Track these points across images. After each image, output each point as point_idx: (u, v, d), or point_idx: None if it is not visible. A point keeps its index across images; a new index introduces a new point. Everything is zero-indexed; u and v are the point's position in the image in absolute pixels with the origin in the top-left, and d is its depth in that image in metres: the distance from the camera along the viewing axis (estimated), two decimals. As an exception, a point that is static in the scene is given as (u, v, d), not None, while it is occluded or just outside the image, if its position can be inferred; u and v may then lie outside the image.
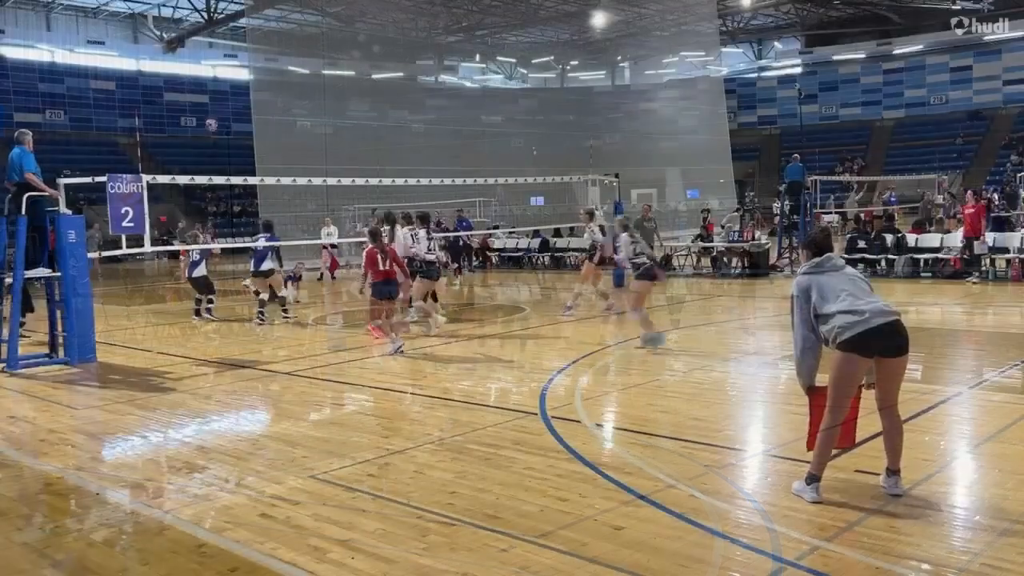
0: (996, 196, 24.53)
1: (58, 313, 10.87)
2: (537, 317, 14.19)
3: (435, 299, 13.16)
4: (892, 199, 34.69)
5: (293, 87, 39.49)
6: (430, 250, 12.76)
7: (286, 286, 15.35)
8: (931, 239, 18.76)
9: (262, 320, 14.11)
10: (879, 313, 4.80)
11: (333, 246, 23.19)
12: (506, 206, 35.15)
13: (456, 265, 21.85)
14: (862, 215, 22.50)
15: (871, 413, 5.12)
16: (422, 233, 12.57)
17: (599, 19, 41.61)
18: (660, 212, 35.41)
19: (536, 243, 25.36)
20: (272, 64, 39.70)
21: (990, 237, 17.57)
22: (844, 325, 4.79)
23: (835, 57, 53.15)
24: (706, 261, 21.95)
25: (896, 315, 4.88)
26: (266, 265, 14.19)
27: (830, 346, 4.90)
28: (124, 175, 11.60)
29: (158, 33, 45.28)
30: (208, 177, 16.33)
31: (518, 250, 25.91)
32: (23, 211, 10.31)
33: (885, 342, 4.81)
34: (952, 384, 8.33)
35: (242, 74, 44.33)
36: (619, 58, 53.44)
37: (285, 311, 14.54)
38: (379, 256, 10.70)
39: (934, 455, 5.89)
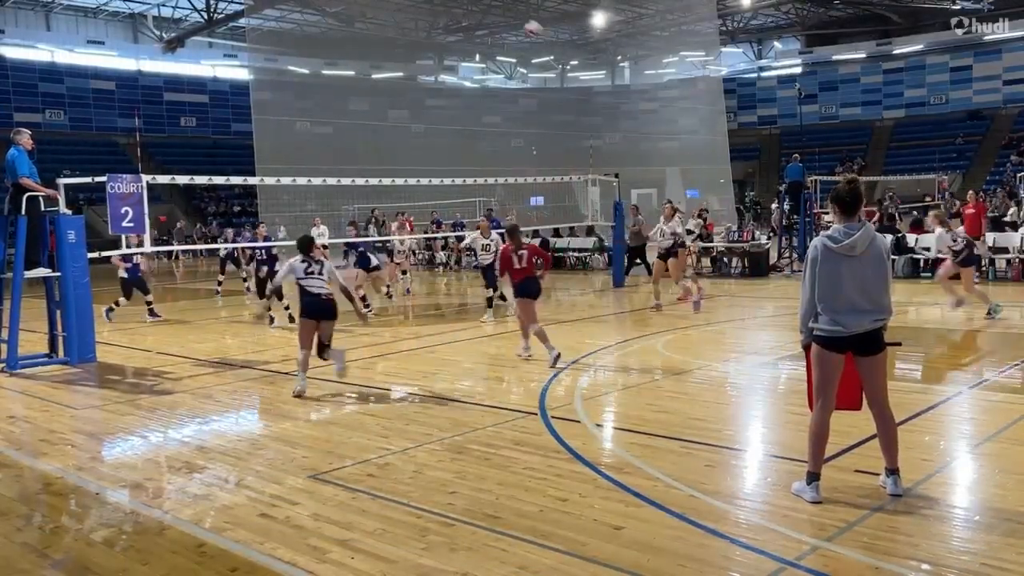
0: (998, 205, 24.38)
1: (58, 313, 10.86)
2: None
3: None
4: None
5: (293, 87, 39.53)
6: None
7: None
8: (931, 239, 18.70)
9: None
10: (859, 325, 4.85)
11: (324, 246, 23.17)
12: (506, 206, 35.15)
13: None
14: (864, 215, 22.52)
15: (866, 414, 5.12)
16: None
17: (599, 19, 41.53)
18: (657, 211, 35.35)
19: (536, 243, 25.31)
20: (272, 64, 39.72)
21: (990, 237, 17.55)
22: (823, 325, 4.91)
23: (835, 57, 53.06)
24: (706, 261, 21.95)
25: (879, 325, 4.90)
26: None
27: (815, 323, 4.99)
28: (124, 175, 11.60)
29: (158, 33, 45.27)
30: (208, 177, 16.32)
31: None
32: (23, 211, 10.30)
33: (857, 346, 4.90)
34: (952, 384, 8.35)
35: (242, 74, 44.34)
36: (619, 58, 53.42)
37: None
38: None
39: (934, 455, 5.90)
